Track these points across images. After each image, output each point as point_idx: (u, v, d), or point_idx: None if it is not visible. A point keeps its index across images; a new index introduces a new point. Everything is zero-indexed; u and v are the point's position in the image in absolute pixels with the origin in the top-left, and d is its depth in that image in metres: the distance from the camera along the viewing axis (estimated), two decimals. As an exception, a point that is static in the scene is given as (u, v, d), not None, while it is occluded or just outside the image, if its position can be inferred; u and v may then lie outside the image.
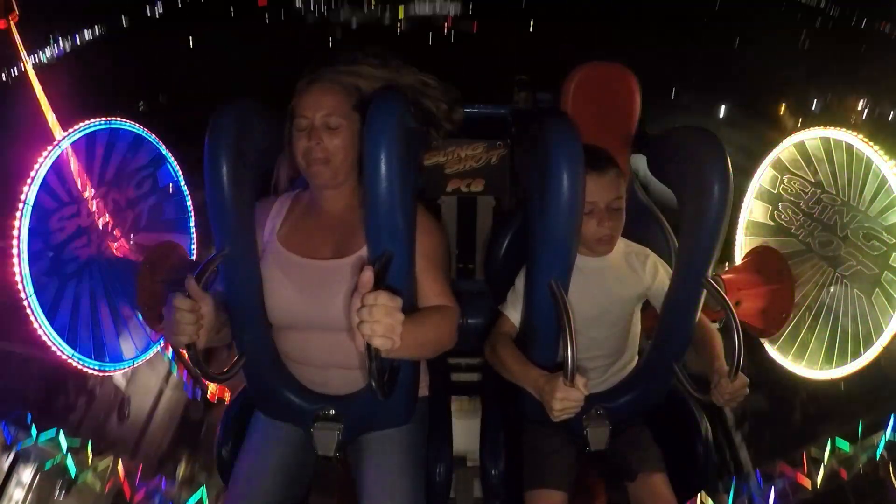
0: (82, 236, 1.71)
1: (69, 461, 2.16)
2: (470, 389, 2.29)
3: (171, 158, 1.98)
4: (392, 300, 1.06)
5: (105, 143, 1.74)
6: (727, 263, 2.00)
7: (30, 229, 1.55)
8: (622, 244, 1.57)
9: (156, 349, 1.99)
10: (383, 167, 1.16)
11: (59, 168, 1.63)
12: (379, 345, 1.06)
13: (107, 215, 1.77)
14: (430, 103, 1.48)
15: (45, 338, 1.60)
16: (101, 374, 1.76)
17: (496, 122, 2.37)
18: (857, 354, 1.66)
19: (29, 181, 1.55)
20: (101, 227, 1.75)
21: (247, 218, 1.36)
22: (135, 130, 1.84)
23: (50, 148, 1.61)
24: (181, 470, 3.21)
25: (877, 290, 1.62)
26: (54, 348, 1.62)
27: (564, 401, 1.24)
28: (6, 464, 2.05)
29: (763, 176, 1.95)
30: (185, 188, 2.02)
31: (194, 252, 2.05)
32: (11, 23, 2.07)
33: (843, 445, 2.12)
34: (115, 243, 1.81)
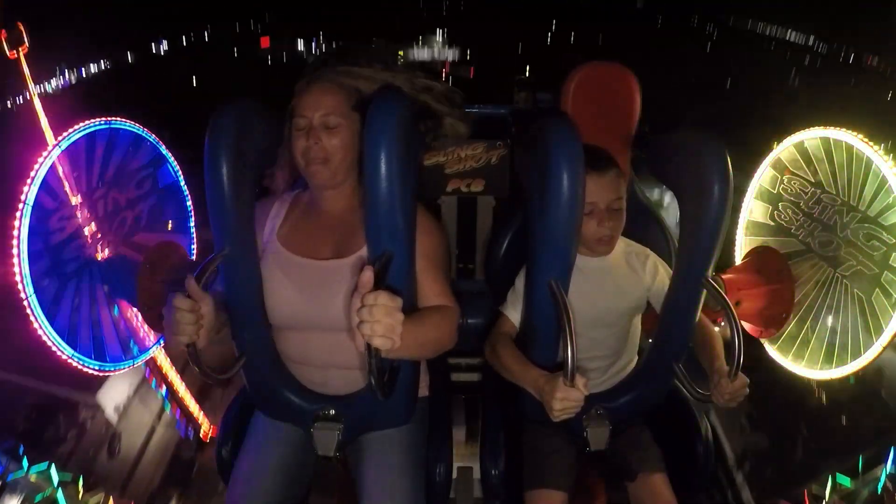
0: (82, 236, 1.71)
1: (60, 495, 2.14)
2: (470, 389, 2.29)
3: (171, 158, 1.98)
4: (392, 300, 1.06)
5: (105, 143, 1.74)
6: (727, 263, 2.00)
7: (30, 229, 1.55)
8: (622, 244, 1.57)
9: (156, 348, 1.99)
10: (383, 167, 1.16)
11: (59, 168, 1.63)
12: (379, 345, 1.06)
13: (107, 215, 1.77)
14: (432, 105, 1.48)
15: (45, 338, 1.60)
16: (101, 373, 1.76)
17: (496, 122, 2.38)
18: (857, 354, 1.66)
19: (29, 181, 1.55)
20: (101, 227, 1.75)
21: (247, 218, 1.36)
22: (135, 130, 1.84)
23: (50, 148, 1.61)
24: (172, 509, 3.18)
25: (877, 290, 1.62)
26: (54, 348, 1.62)
27: (564, 401, 1.24)
28: (-6, 494, 2.04)
29: (763, 176, 1.95)
30: (184, 188, 2.02)
31: (194, 252, 2.05)
32: (21, 54, 2.13)
33: (844, 481, 2.12)
34: (115, 243, 1.81)
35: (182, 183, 2.02)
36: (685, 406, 1.66)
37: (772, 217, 1.93)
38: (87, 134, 1.69)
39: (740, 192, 1.96)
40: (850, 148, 1.68)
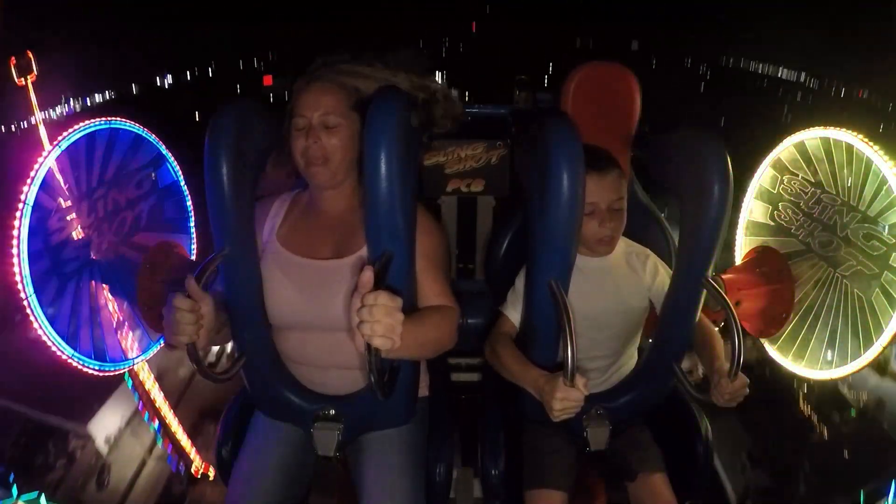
0: (82, 236, 1.71)
1: (49, 525, 2.13)
2: (470, 389, 2.29)
3: (171, 158, 1.98)
4: (392, 300, 1.06)
5: (105, 143, 1.74)
6: (727, 263, 2.00)
7: (30, 229, 1.55)
8: (623, 244, 1.57)
9: (156, 349, 1.99)
10: (383, 167, 1.16)
11: (59, 168, 1.63)
12: (379, 345, 1.06)
13: (107, 215, 1.77)
14: (431, 105, 1.48)
15: (45, 338, 1.60)
16: (100, 373, 1.76)
17: (496, 122, 2.37)
18: (857, 355, 1.66)
19: (29, 181, 1.55)
20: (101, 227, 1.75)
21: (247, 218, 1.36)
22: (135, 130, 1.84)
23: (50, 148, 1.61)
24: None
25: (877, 290, 1.62)
26: (54, 348, 1.62)
27: (564, 401, 1.24)
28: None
29: (763, 176, 1.95)
30: (184, 188, 2.02)
31: (194, 252, 2.05)
32: (29, 82, 2.18)
33: (847, 515, 2.12)
34: (115, 243, 1.81)
35: (182, 183, 2.02)
36: (685, 406, 1.66)
37: (772, 217, 1.93)
38: (87, 134, 1.69)
39: (740, 191, 1.96)
40: (850, 148, 1.68)
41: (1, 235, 1.52)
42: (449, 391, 1.87)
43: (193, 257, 2.01)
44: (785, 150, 1.87)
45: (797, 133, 1.82)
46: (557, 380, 1.25)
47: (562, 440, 1.59)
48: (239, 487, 1.45)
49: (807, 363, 1.79)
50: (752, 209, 1.99)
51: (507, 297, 1.59)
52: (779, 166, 1.90)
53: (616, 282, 1.54)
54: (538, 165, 1.34)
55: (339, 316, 1.33)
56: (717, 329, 1.53)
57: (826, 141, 1.75)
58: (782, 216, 1.89)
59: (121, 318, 1.83)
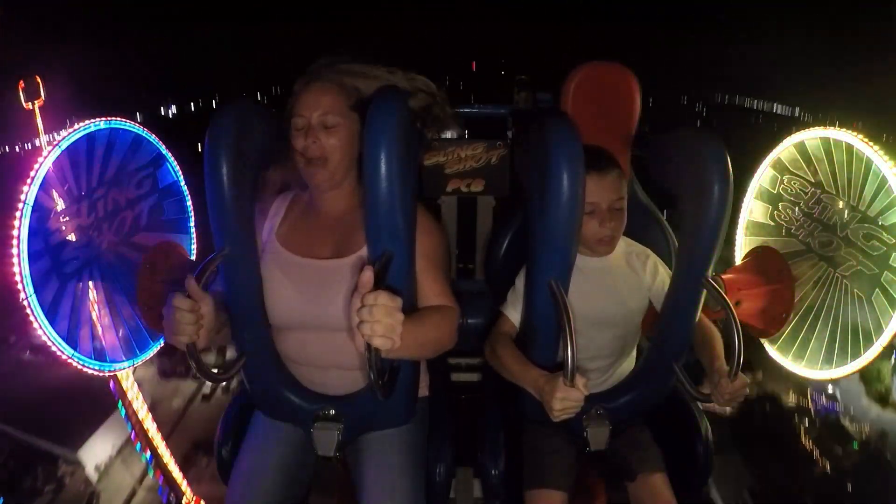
0: (82, 236, 1.71)
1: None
2: (470, 389, 2.30)
3: (171, 158, 1.98)
4: (392, 300, 1.06)
5: (105, 143, 1.74)
6: (727, 263, 2.00)
7: (30, 229, 1.55)
8: (623, 244, 1.57)
9: (156, 348, 1.99)
10: (383, 167, 1.16)
11: (59, 168, 1.63)
12: (379, 345, 1.06)
13: (107, 215, 1.77)
14: (431, 106, 1.48)
15: (45, 338, 1.59)
16: (100, 373, 1.76)
17: (496, 122, 2.38)
18: (857, 354, 1.66)
19: (29, 181, 1.55)
20: (101, 227, 1.75)
21: (247, 218, 1.36)
22: (135, 130, 1.83)
23: (50, 148, 1.61)
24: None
25: (877, 290, 1.62)
26: (54, 348, 1.62)
27: (564, 401, 1.24)
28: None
29: (763, 176, 1.95)
30: (184, 188, 2.02)
31: (194, 252, 2.05)
32: (36, 106, 2.22)
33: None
34: (115, 243, 1.80)
35: (182, 183, 2.02)
36: (685, 406, 1.66)
37: (772, 217, 1.93)
38: (86, 134, 1.69)
39: (740, 191, 1.96)
40: (850, 148, 1.68)
41: (1, 235, 1.52)
42: (449, 391, 1.87)
43: (193, 257, 2.00)
44: (785, 150, 1.87)
45: (797, 133, 1.82)
46: (557, 380, 1.25)
47: (562, 440, 1.59)
48: (239, 487, 1.45)
49: (807, 363, 1.78)
50: (752, 209, 1.98)
51: (507, 297, 1.59)
52: (779, 166, 1.90)
53: (616, 282, 1.54)
54: (538, 165, 1.34)
55: (338, 316, 1.33)
56: (717, 329, 1.53)
57: (826, 141, 1.75)
58: (782, 216, 1.89)
59: (121, 319, 1.82)
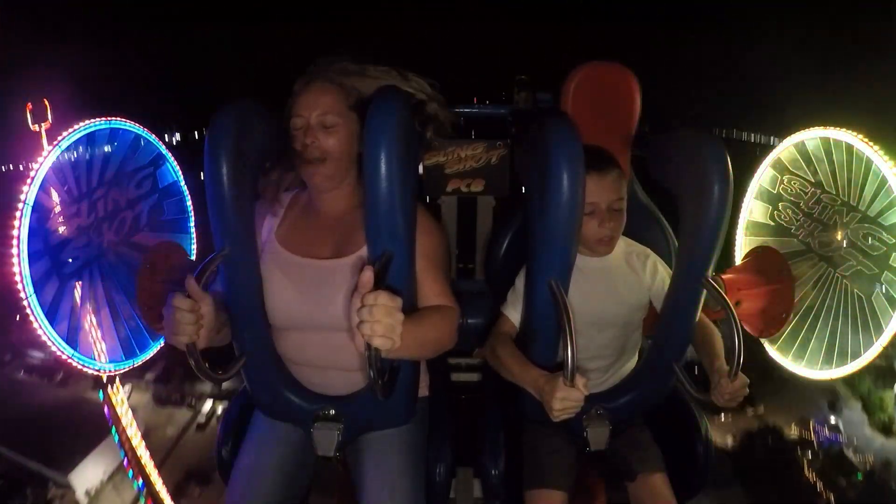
0: (82, 236, 1.71)
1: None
2: (470, 389, 2.30)
3: (171, 158, 1.98)
4: (392, 300, 1.06)
5: (105, 143, 1.74)
6: (727, 263, 2.00)
7: (30, 229, 1.55)
8: (623, 244, 1.57)
9: (156, 348, 1.99)
10: (383, 167, 1.16)
11: (59, 168, 1.63)
12: (379, 345, 1.06)
13: (107, 215, 1.77)
14: (429, 106, 1.48)
15: (45, 338, 1.59)
16: (100, 373, 1.76)
17: (496, 122, 2.38)
18: (857, 354, 1.66)
19: (29, 181, 1.55)
20: (100, 227, 1.75)
21: (247, 218, 1.36)
22: (135, 130, 1.83)
23: (50, 148, 1.61)
24: None
25: (877, 290, 1.62)
26: (54, 348, 1.62)
27: (564, 401, 1.24)
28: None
29: (763, 176, 1.95)
30: (184, 188, 2.02)
31: (194, 252, 2.05)
32: (43, 129, 2.25)
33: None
34: (115, 243, 1.80)
35: (182, 183, 2.02)
36: (685, 406, 1.66)
37: (772, 217, 1.93)
38: (87, 134, 1.69)
39: (740, 191, 1.96)
40: (850, 148, 1.68)
41: (1, 235, 1.52)
42: (449, 391, 1.87)
43: (193, 257, 2.01)
44: (785, 150, 1.87)
45: (797, 133, 1.82)
46: (557, 380, 1.25)
47: (562, 440, 1.59)
48: (239, 487, 1.45)
49: (807, 363, 1.78)
50: (752, 209, 1.99)
51: (507, 297, 1.59)
52: (779, 166, 1.90)
53: (616, 282, 1.54)
54: (538, 165, 1.34)
55: (338, 316, 1.33)
56: (717, 329, 1.53)
57: (826, 141, 1.75)
58: (782, 216, 1.89)
59: (121, 319, 1.83)
